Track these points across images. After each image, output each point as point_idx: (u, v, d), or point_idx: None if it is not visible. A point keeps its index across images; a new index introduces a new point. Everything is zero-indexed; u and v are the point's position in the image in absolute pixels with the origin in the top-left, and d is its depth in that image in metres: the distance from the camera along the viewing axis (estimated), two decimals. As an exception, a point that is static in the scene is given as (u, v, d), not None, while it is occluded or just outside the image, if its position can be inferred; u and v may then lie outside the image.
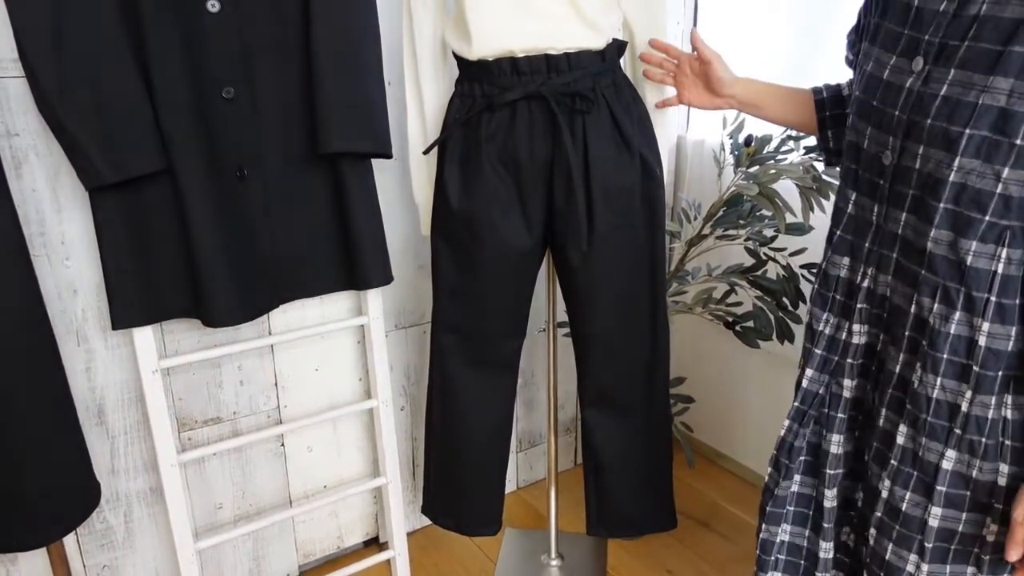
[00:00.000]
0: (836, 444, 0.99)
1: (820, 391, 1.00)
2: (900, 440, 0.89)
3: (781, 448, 1.03)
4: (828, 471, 1.00)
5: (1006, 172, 0.76)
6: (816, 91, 1.13)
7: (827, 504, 1.01)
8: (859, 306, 0.93)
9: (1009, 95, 0.75)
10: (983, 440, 0.83)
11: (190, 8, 1.18)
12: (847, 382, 0.97)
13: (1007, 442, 0.82)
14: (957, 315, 0.82)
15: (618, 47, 1.28)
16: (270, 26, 1.26)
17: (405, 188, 1.58)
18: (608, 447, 1.47)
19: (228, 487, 1.55)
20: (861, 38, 0.98)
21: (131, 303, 1.25)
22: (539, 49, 1.20)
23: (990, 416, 0.82)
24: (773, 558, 1.06)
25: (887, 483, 0.91)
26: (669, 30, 1.82)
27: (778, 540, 1.06)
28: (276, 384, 1.55)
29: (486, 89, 1.23)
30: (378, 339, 1.53)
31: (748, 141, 1.63)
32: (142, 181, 1.20)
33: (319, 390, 1.60)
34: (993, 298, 0.79)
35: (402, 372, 1.72)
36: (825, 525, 1.02)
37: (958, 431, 0.84)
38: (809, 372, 1.00)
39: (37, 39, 1.07)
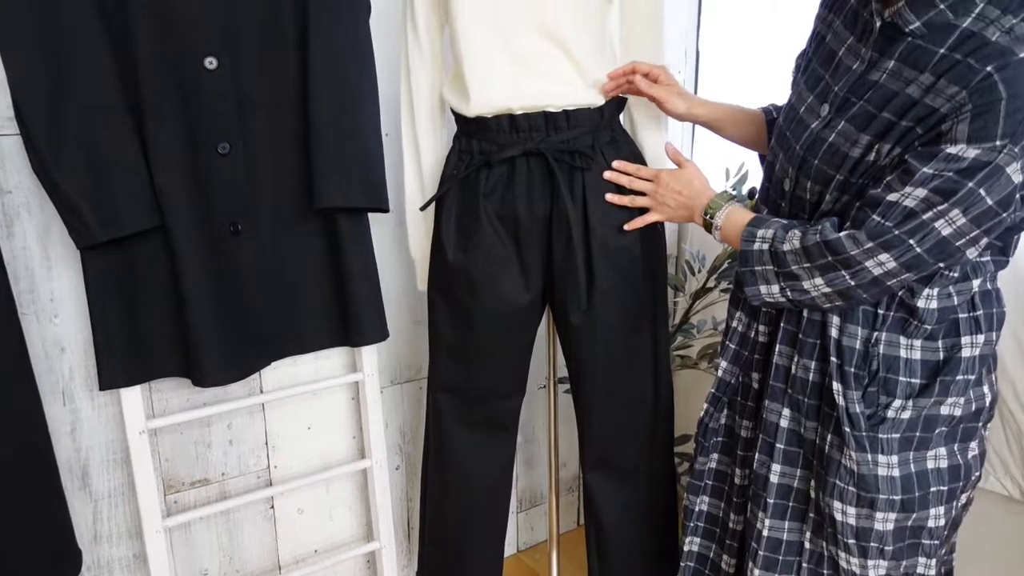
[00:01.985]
0: (746, 429, 1.19)
1: (732, 381, 1.20)
2: (772, 419, 1.10)
3: (699, 429, 1.23)
4: (739, 452, 1.19)
5: (853, 209, 0.97)
6: (767, 111, 1.25)
7: (737, 481, 1.20)
8: (763, 308, 1.12)
9: (865, 148, 0.94)
10: (805, 399, 1.06)
11: (188, 65, 1.21)
12: (755, 375, 1.16)
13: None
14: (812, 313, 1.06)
15: (617, 103, 1.30)
16: (267, 82, 1.29)
17: (401, 241, 1.60)
18: (610, 509, 1.45)
19: (214, 551, 1.53)
20: (801, 71, 1.12)
21: (119, 362, 1.25)
22: (537, 107, 1.22)
23: (810, 379, 1.06)
24: (693, 524, 1.27)
25: (754, 455, 1.13)
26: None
27: (697, 509, 1.26)
28: (267, 443, 1.54)
29: (484, 146, 1.25)
30: (373, 396, 1.53)
31: (752, 194, 1.63)
32: (134, 238, 1.22)
33: (311, 450, 1.59)
34: None
35: (397, 430, 1.72)
36: (736, 500, 1.19)
37: (789, 391, 1.08)
38: (724, 364, 1.20)
39: (33, 96, 1.10)
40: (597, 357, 1.34)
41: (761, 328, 1.14)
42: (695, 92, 1.94)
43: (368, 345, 1.46)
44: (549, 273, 1.31)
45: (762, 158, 1.28)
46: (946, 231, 0.87)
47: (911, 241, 0.88)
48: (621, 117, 1.34)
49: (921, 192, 0.87)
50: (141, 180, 1.18)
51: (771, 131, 1.22)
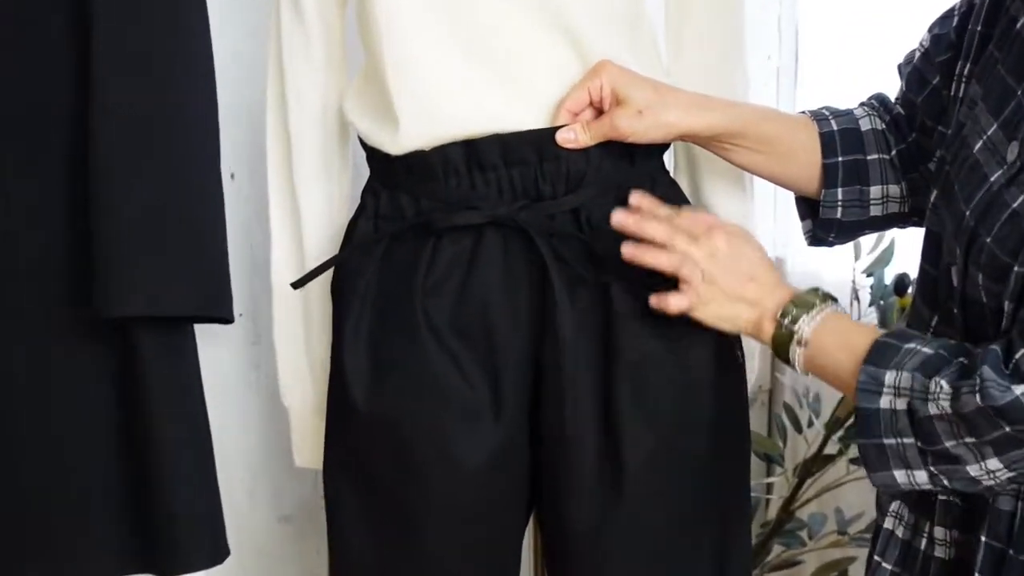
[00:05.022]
0: None
1: None
2: None
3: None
4: None
5: None
6: (820, 118, 1.28)
7: None
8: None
9: None
10: None
11: None
12: None
13: None
14: None
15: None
16: (19, 97, 1.34)
17: (261, 369, 1.65)
18: None
19: None
20: (965, 56, 1.14)
21: None
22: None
23: None
24: None
25: None
26: (755, 74, 1.91)
27: None
28: None
29: (423, 204, 1.25)
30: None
31: (902, 284, 1.72)
32: None
33: None
34: None
35: None
36: None
37: None
38: None
39: None
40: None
41: (939, 533, 1.12)
42: (795, 84, 2.07)
43: (190, 573, 1.43)
44: (537, 434, 1.30)
45: (803, 204, 1.33)
46: None
47: None
48: (669, 160, 1.34)
49: None
50: None
51: (828, 155, 1.26)
